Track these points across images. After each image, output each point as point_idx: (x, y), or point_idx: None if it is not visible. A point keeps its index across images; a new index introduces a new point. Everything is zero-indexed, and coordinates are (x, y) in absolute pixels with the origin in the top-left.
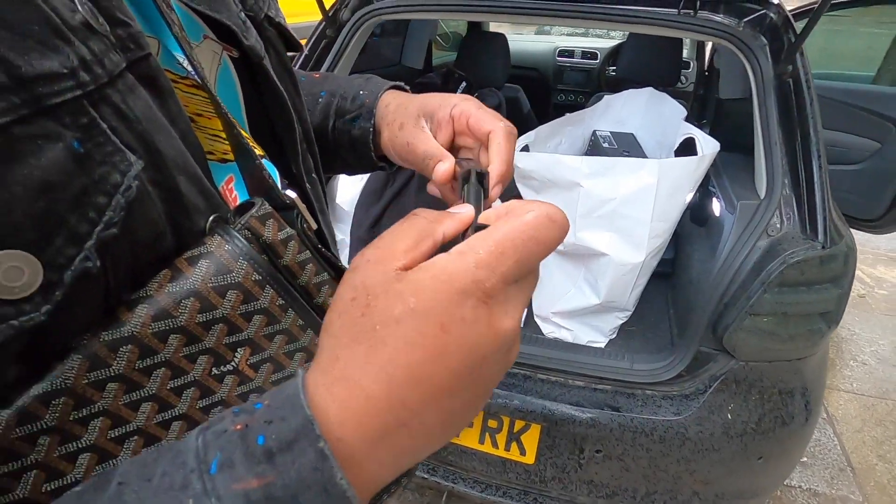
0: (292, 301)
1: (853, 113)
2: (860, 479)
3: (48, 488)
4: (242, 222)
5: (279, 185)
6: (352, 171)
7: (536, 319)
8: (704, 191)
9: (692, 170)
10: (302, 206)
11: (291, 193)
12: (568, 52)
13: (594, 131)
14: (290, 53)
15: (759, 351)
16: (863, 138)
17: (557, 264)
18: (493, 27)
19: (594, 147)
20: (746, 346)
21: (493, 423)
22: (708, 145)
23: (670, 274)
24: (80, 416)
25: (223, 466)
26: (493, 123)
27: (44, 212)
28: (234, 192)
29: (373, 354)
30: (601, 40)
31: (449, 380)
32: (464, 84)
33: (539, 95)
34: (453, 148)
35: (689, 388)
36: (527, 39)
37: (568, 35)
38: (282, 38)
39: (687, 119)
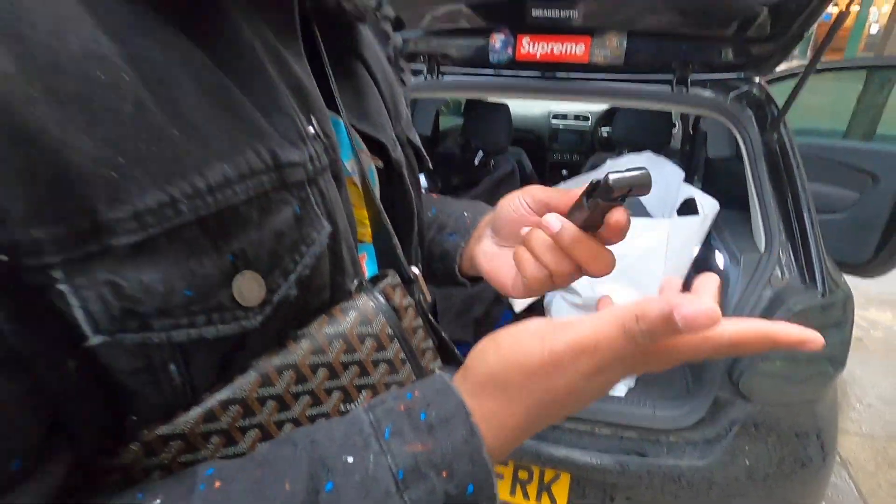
0: (411, 357)
1: (832, 166)
2: None
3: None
4: (380, 287)
5: (410, 271)
6: (436, 283)
7: None
8: (707, 245)
9: (697, 228)
10: (422, 281)
11: (415, 269)
12: (561, 115)
13: None
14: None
15: (773, 394)
16: (843, 189)
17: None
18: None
19: None
20: (761, 389)
21: (523, 475)
22: (708, 205)
23: None
24: (243, 424)
25: (394, 434)
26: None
27: (274, 250)
28: (365, 267)
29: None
30: (592, 104)
31: (558, 412)
32: (480, 153)
33: (536, 155)
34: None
35: (710, 433)
36: (522, 104)
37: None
38: (417, 156)
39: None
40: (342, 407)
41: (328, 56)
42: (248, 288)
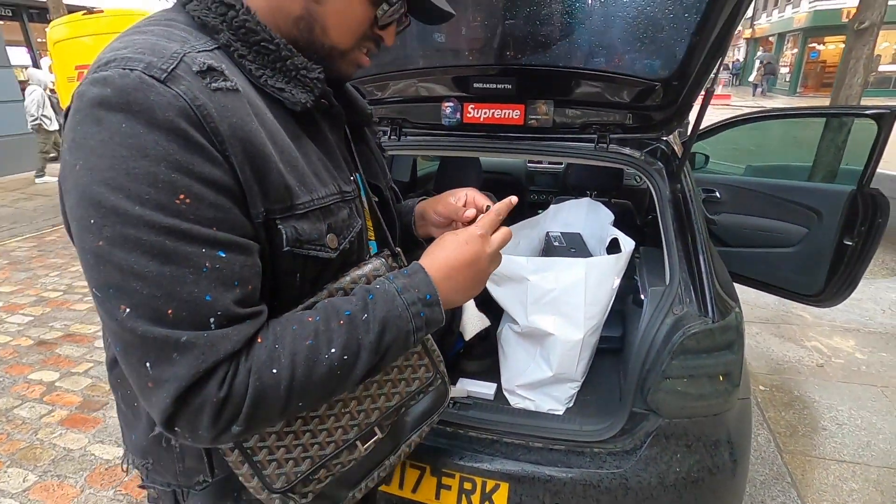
0: None
1: (783, 204)
2: None
3: None
4: (382, 254)
5: (395, 249)
6: (403, 247)
7: (505, 392)
8: (630, 278)
9: (613, 264)
10: (402, 255)
11: (397, 249)
12: (537, 161)
13: (547, 232)
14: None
15: (677, 409)
16: (794, 225)
17: (520, 343)
18: None
19: (548, 245)
20: (666, 405)
21: (468, 486)
22: (627, 244)
23: (620, 349)
24: None
25: (395, 277)
26: (485, 200)
27: (341, 226)
28: (371, 249)
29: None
30: None
31: (464, 262)
32: None
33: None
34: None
35: (628, 445)
36: None
37: None
38: (395, 195)
39: (628, 218)
40: None
41: (353, 142)
42: (332, 239)
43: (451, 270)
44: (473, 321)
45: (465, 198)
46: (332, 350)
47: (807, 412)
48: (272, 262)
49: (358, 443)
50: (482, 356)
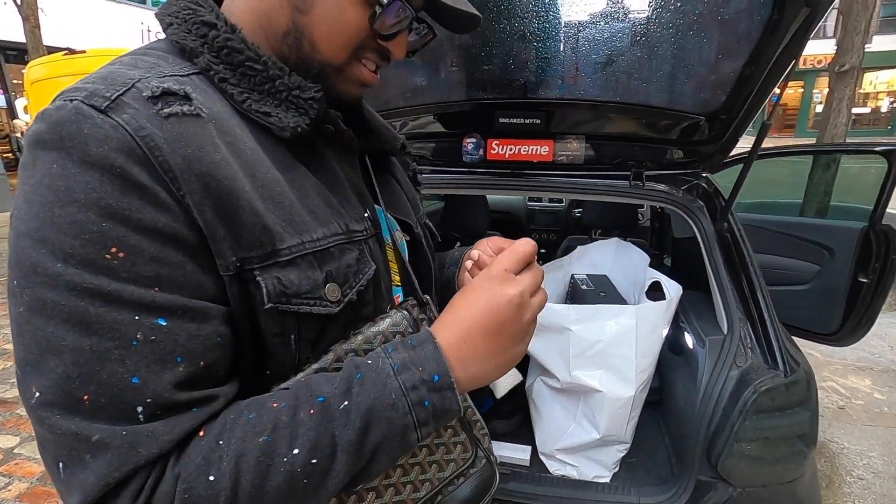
0: None
1: (793, 241)
2: None
3: None
4: (405, 306)
5: (423, 297)
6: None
7: (542, 457)
8: (675, 325)
9: (663, 311)
10: (432, 304)
11: (426, 297)
12: (537, 198)
13: (572, 275)
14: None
15: (751, 476)
16: (805, 262)
17: (557, 401)
18: None
19: (574, 289)
20: (739, 471)
21: None
22: (673, 289)
23: (658, 402)
24: None
25: (394, 350)
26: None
27: (346, 273)
28: (398, 298)
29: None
30: None
31: (479, 314)
32: (458, 244)
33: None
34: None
35: None
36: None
37: None
38: (431, 233)
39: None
40: None
41: (375, 173)
42: (332, 290)
43: (466, 334)
44: (506, 376)
45: (488, 248)
46: (295, 451)
47: (839, 460)
48: (253, 323)
49: None
50: (511, 414)
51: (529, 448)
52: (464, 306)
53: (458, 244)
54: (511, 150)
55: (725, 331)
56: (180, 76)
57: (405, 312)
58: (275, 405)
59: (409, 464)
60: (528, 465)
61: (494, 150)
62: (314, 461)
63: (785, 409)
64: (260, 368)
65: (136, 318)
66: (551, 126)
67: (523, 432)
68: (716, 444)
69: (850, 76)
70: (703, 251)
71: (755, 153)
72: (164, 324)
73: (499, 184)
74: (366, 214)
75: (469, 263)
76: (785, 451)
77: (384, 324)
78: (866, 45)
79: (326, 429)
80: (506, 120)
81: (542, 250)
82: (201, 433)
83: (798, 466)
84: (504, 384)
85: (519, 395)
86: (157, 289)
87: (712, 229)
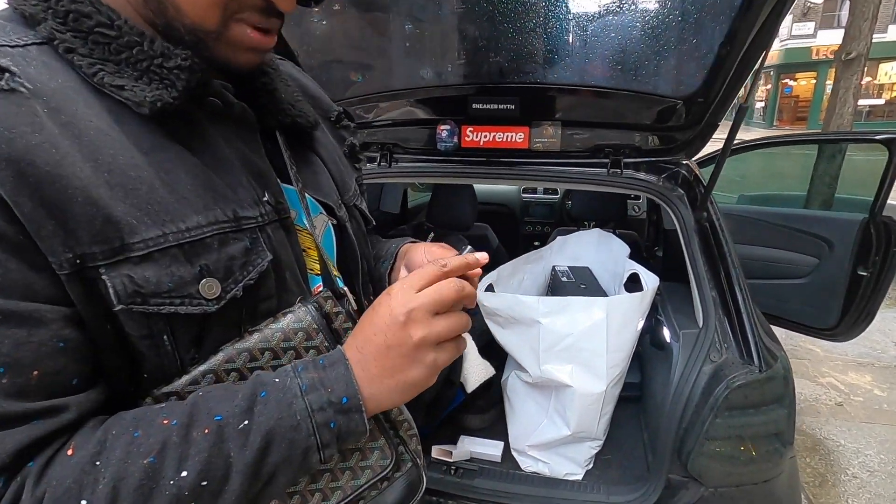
0: (333, 345)
1: (792, 234)
2: None
3: None
4: (314, 299)
5: (340, 289)
6: None
7: (514, 454)
8: (655, 318)
9: (637, 303)
10: (351, 297)
11: (346, 288)
12: (531, 189)
13: (553, 267)
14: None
15: (723, 476)
16: (804, 255)
17: (531, 396)
18: None
19: (555, 281)
20: (710, 471)
21: None
22: (650, 280)
23: (639, 397)
24: None
25: (304, 369)
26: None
27: (229, 267)
28: (317, 292)
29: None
30: None
31: (375, 334)
32: (432, 234)
33: (508, 228)
34: None
35: None
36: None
37: None
38: (363, 217)
39: (635, 250)
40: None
41: (293, 151)
42: (209, 286)
43: (368, 354)
44: (476, 370)
45: (423, 255)
46: (184, 473)
47: (833, 458)
48: (114, 325)
49: None
50: (485, 409)
51: (502, 444)
52: (366, 325)
53: (432, 235)
54: (486, 136)
55: (701, 324)
56: (9, 47)
57: (312, 307)
58: (165, 422)
59: (318, 471)
60: (499, 461)
61: (469, 137)
62: (204, 483)
63: (759, 406)
64: (135, 373)
65: None
66: (526, 112)
67: (499, 428)
68: (686, 442)
69: (857, 64)
70: (682, 241)
71: (732, 139)
72: None
73: (475, 172)
74: (265, 198)
75: (403, 272)
76: (759, 449)
77: (285, 320)
78: (882, 35)
79: (221, 449)
80: (479, 105)
81: (537, 243)
82: (69, 451)
83: (774, 466)
84: (474, 378)
85: (495, 390)
86: None
87: (692, 219)
